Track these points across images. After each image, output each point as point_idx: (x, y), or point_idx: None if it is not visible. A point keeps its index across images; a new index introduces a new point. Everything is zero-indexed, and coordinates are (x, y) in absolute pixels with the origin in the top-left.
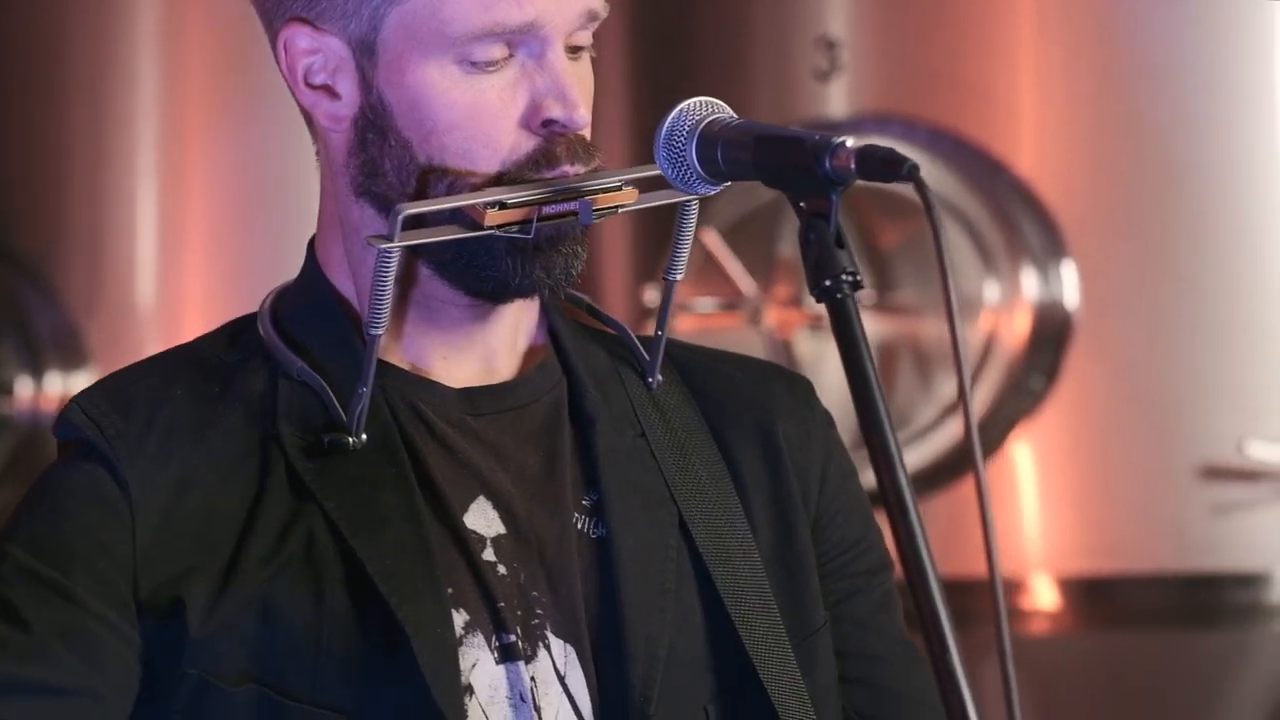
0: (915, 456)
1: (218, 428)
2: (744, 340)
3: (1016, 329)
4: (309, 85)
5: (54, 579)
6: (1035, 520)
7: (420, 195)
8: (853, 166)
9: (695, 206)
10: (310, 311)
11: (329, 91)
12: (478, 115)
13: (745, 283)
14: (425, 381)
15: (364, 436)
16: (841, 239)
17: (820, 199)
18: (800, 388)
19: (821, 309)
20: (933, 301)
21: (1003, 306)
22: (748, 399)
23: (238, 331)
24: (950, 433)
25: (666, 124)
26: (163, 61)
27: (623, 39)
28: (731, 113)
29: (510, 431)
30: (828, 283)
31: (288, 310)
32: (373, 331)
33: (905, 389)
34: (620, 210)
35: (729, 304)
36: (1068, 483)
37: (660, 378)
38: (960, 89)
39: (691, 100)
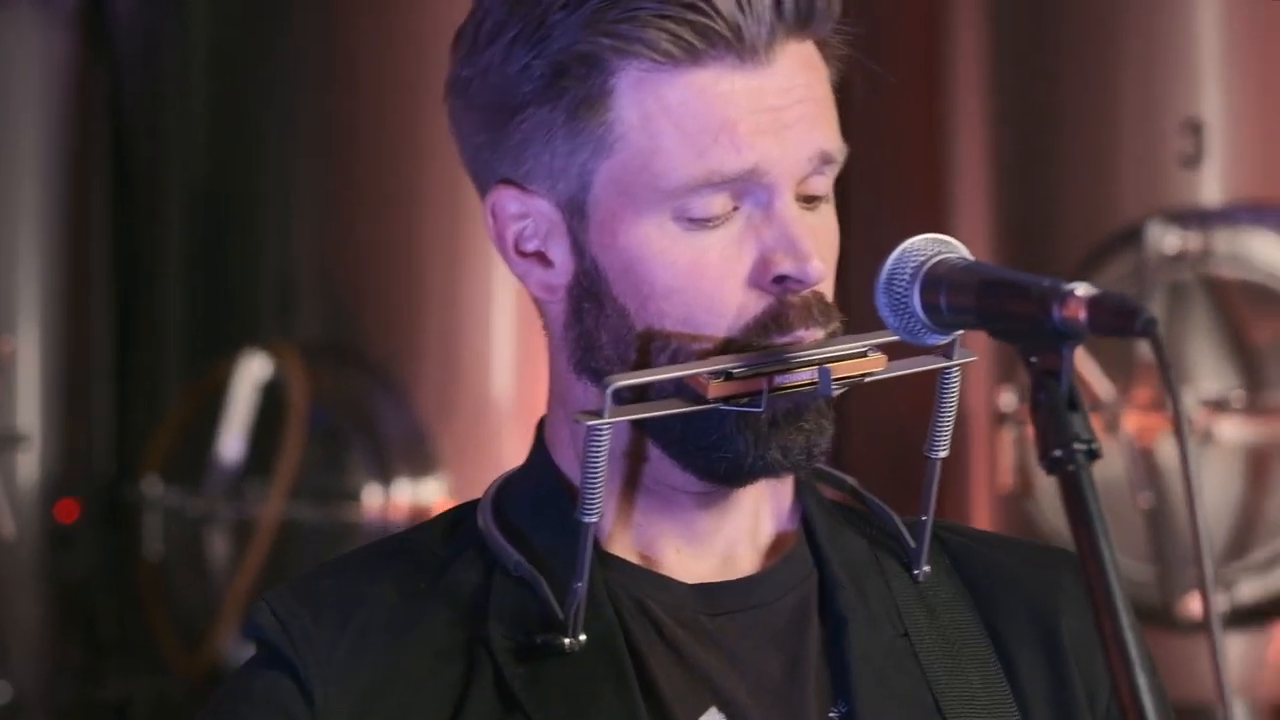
0: None
1: (422, 629)
2: (1104, 448)
3: None
4: (520, 253)
5: None
6: None
7: (640, 367)
8: (1083, 317)
9: (958, 374)
10: (534, 499)
11: (541, 259)
12: (699, 275)
13: (1102, 386)
14: (655, 576)
15: (582, 637)
16: (1075, 400)
17: (1052, 354)
18: None
19: (1197, 409)
20: None
21: None
22: (1028, 590)
23: (456, 521)
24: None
25: (888, 266)
26: None
27: (984, 116)
28: (964, 250)
29: (750, 633)
30: (1058, 453)
31: (512, 497)
32: (585, 518)
33: (1279, 499)
34: (867, 379)
35: (1089, 406)
36: None
37: (928, 568)
38: None
39: (916, 239)
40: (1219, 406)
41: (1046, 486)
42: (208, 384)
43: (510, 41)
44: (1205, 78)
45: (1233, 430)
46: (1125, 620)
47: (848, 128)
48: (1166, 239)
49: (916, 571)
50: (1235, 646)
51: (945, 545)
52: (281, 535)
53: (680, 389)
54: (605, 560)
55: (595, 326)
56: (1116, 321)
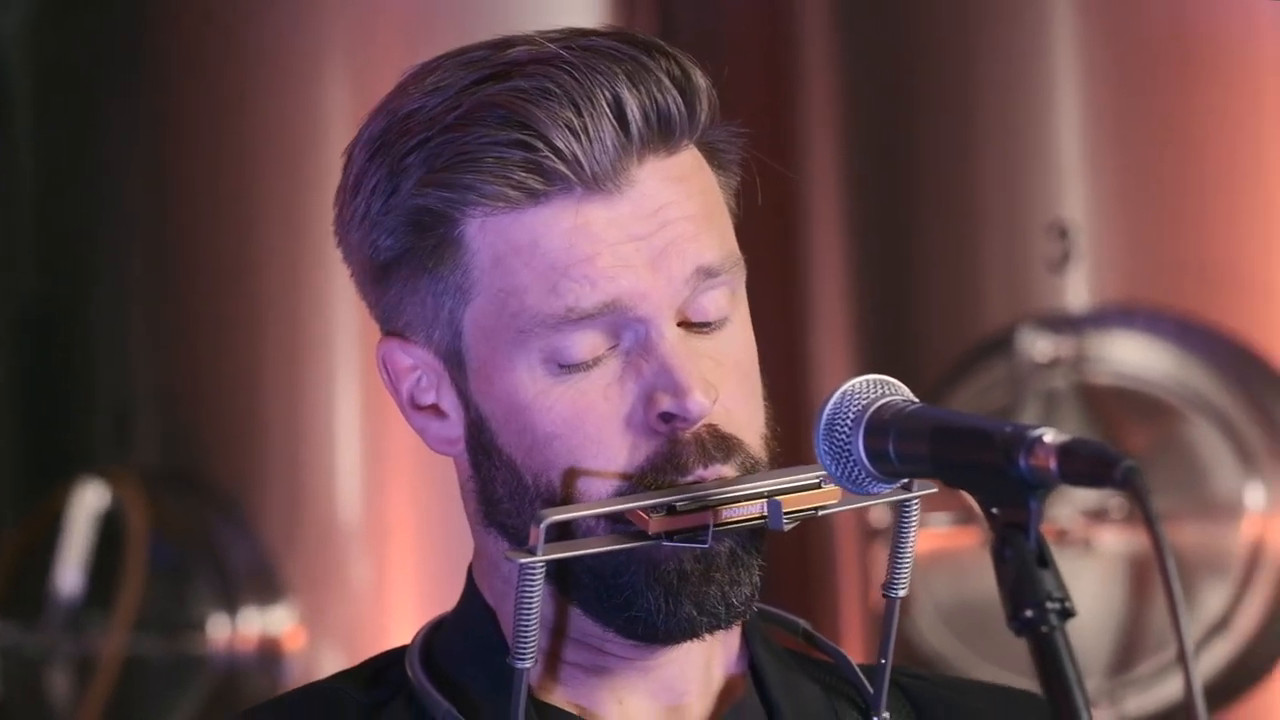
0: (1175, 686)
1: None
2: (982, 562)
3: None
4: (416, 407)
5: None
6: None
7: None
8: (1054, 467)
9: (918, 508)
10: (466, 645)
11: (437, 411)
12: (580, 420)
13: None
14: None
15: None
16: (1045, 556)
17: (1017, 506)
18: None
19: (1075, 519)
20: (1190, 506)
21: (1268, 511)
22: None
23: (383, 667)
24: (1215, 656)
25: (827, 410)
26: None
27: (840, 219)
28: (907, 392)
29: None
30: (1029, 613)
31: (443, 643)
32: (519, 664)
33: (1163, 608)
34: (821, 513)
35: (965, 518)
36: None
37: (887, 715)
38: (1210, 273)
39: (856, 380)
40: (1098, 516)
41: (924, 602)
42: (42, 514)
43: (369, 195)
44: (1069, 178)
45: (1113, 540)
46: None
47: None
48: (1038, 345)
49: (875, 718)
50: None
51: (907, 692)
52: (125, 670)
53: (614, 527)
54: (543, 712)
55: (490, 479)
56: (1092, 471)
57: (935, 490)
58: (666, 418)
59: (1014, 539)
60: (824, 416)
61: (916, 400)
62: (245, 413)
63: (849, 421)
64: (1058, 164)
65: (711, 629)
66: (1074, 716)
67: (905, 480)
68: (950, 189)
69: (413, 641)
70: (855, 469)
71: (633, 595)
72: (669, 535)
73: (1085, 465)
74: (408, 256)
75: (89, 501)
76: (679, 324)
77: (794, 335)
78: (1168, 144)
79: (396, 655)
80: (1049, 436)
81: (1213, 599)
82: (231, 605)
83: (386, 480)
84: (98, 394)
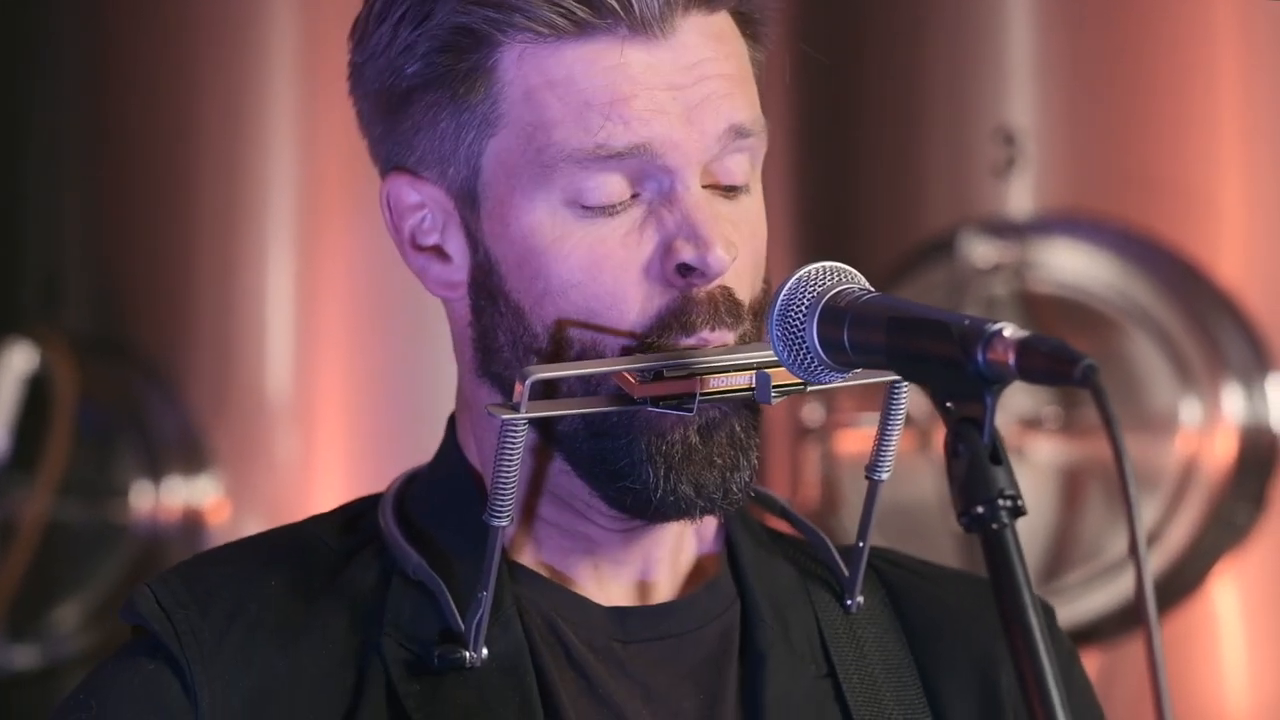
0: (1105, 596)
1: (314, 631)
2: (916, 465)
3: (1219, 453)
4: (417, 247)
5: None
6: (1241, 670)
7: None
8: (1012, 363)
9: (908, 391)
10: (441, 498)
11: (439, 253)
12: (598, 268)
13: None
14: (568, 595)
15: (484, 652)
16: (998, 453)
17: (972, 401)
18: None
19: (1009, 427)
20: (1126, 419)
21: (1203, 428)
22: (968, 634)
23: (356, 515)
24: (1149, 568)
25: (781, 295)
26: (296, 155)
27: (785, 126)
28: (864, 281)
29: (665, 665)
30: (980, 509)
31: (416, 496)
32: (495, 522)
33: (1095, 519)
34: (810, 389)
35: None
36: (1277, 627)
37: (861, 599)
38: (1156, 186)
39: (813, 266)
40: (1032, 425)
41: (852, 500)
42: None
43: (397, 22)
44: (1016, 84)
45: (1047, 449)
46: (1052, 687)
47: None
48: (979, 250)
49: (849, 602)
50: None
51: (882, 576)
52: (46, 535)
53: (601, 388)
54: (514, 572)
55: (492, 327)
56: (1051, 368)
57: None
58: (684, 270)
59: (968, 434)
60: (778, 301)
61: (872, 289)
62: (177, 282)
63: (803, 308)
64: (1005, 69)
65: (705, 513)
66: (1021, 613)
67: (853, 371)
68: (896, 91)
69: (387, 490)
70: (808, 357)
71: (630, 465)
72: (655, 401)
73: (1044, 362)
74: (435, 83)
75: (16, 363)
76: (704, 185)
77: None
78: (1117, 54)
79: (369, 503)
80: (1008, 331)
81: (1145, 513)
82: (156, 474)
83: (316, 355)
84: (28, 256)
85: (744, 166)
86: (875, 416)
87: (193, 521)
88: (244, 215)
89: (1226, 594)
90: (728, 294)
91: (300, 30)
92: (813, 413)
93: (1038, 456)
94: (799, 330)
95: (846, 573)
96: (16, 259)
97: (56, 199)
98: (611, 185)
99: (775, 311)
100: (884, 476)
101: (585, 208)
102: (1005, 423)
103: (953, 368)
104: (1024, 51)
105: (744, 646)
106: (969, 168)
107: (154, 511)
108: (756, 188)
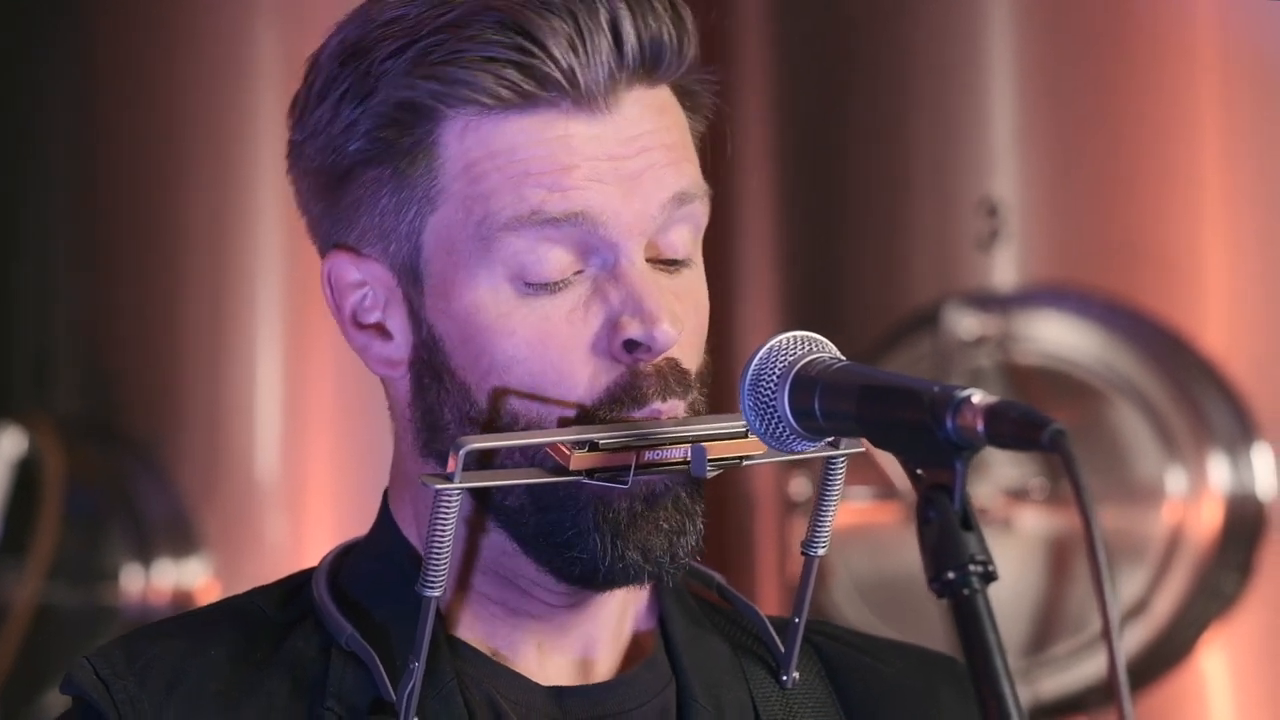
0: (1092, 667)
1: (257, 697)
2: (901, 538)
3: (1205, 522)
4: (358, 325)
5: None
6: None
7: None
8: (981, 429)
9: (843, 466)
10: (378, 571)
11: (381, 331)
12: (544, 344)
13: (900, 473)
14: (508, 673)
15: None
16: (969, 519)
17: (942, 468)
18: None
19: (996, 498)
20: (1112, 489)
21: (1189, 497)
22: (907, 705)
23: (295, 587)
24: (1133, 639)
25: (753, 365)
26: (284, 241)
27: (770, 190)
28: (834, 350)
29: None
30: (951, 575)
31: (351, 568)
32: (427, 592)
33: (1082, 590)
34: (745, 464)
35: (885, 494)
36: (1266, 695)
37: (796, 675)
38: (1139, 256)
39: (784, 336)
40: (1019, 496)
41: (841, 576)
42: None
43: (338, 100)
44: (1000, 156)
45: (1033, 520)
46: None
47: None
48: (964, 323)
49: (785, 678)
50: None
51: (819, 650)
52: (37, 618)
53: (536, 460)
54: (455, 647)
55: (437, 404)
56: (1019, 433)
57: (863, 449)
58: (631, 346)
59: (938, 500)
60: (750, 371)
61: (844, 358)
62: (166, 363)
63: (775, 377)
64: (989, 141)
65: (653, 578)
66: (994, 680)
67: (824, 440)
68: (881, 162)
69: (321, 563)
70: (780, 425)
71: (577, 535)
72: (590, 473)
73: (1012, 427)
74: (377, 159)
75: (5, 447)
76: (647, 259)
77: (721, 305)
78: (1100, 125)
79: (309, 575)
80: (977, 397)
81: (1132, 583)
82: (146, 556)
83: (306, 437)
84: (17, 339)
85: (686, 239)
86: (865, 490)
87: (183, 603)
88: (233, 299)
89: (1215, 662)
90: (674, 365)
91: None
92: (800, 486)
93: (1024, 527)
94: (770, 399)
95: (782, 648)
96: (6, 342)
97: (46, 281)
98: (554, 259)
99: (747, 381)
100: (820, 552)
101: (529, 284)
102: (991, 494)
103: (923, 434)
104: (1007, 124)
105: None
106: (953, 240)
107: (144, 594)
108: (698, 260)
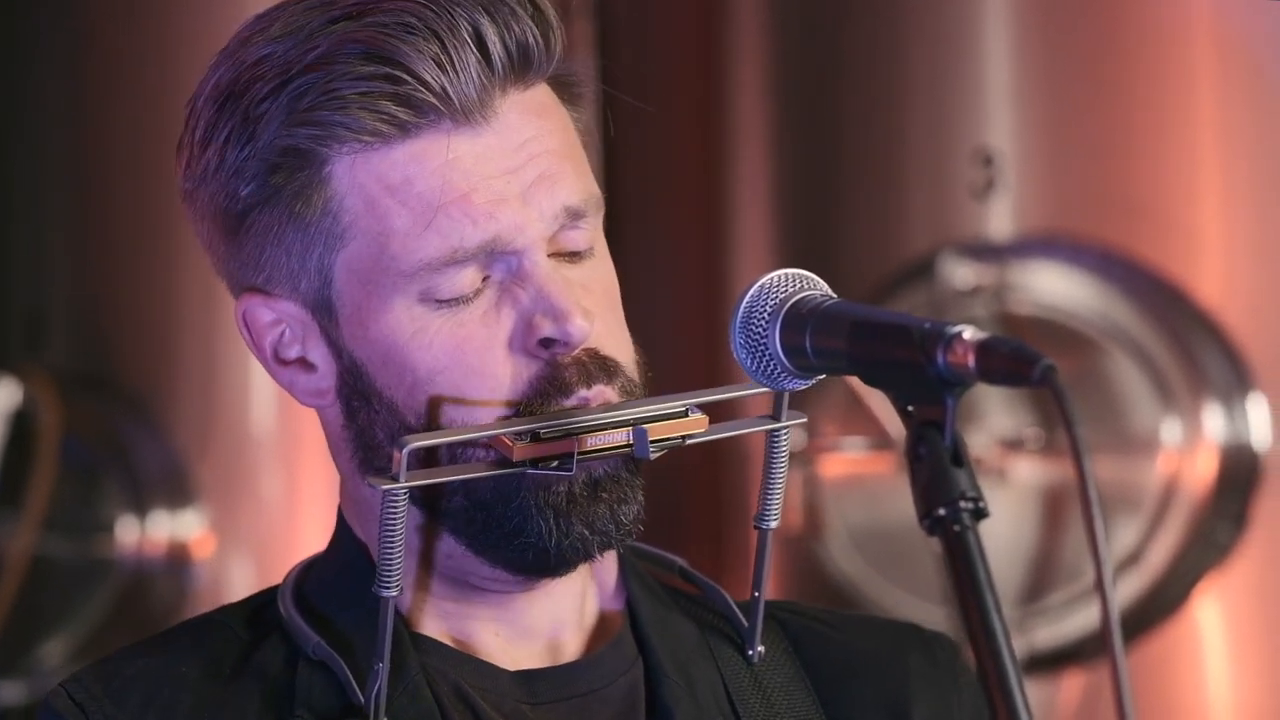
0: (1085, 618)
1: (230, 709)
2: (896, 488)
3: (1200, 472)
4: (281, 362)
5: None
6: (1225, 688)
7: (424, 458)
8: (972, 364)
9: (788, 437)
10: (338, 580)
11: (304, 365)
12: (461, 350)
13: (894, 423)
14: (473, 661)
15: None
16: (960, 455)
17: (932, 404)
18: (942, 654)
19: (991, 448)
20: (1107, 439)
21: (1184, 448)
22: (875, 674)
23: (261, 605)
24: (1127, 589)
25: (744, 303)
26: None
27: (764, 141)
28: (826, 288)
29: None
30: (942, 511)
31: (314, 580)
32: (384, 592)
33: (1076, 540)
34: (688, 442)
35: (880, 444)
36: (1261, 645)
37: (762, 649)
38: (1135, 206)
39: (775, 274)
40: (1014, 446)
41: (836, 528)
42: None
43: (223, 144)
44: (995, 106)
45: (1028, 471)
46: (1018, 695)
47: (616, 162)
48: (959, 272)
49: (751, 652)
50: (1030, 695)
51: (785, 627)
52: (32, 570)
53: (479, 459)
54: (418, 643)
55: (369, 425)
56: (1010, 369)
57: (804, 420)
58: (547, 343)
59: (929, 437)
60: (741, 309)
61: (835, 296)
62: (161, 315)
63: (766, 315)
64: (985, 91)
65: (603, 548)
66: (985, 616)
67: (817, 378)
68: (877, 113)
69: (284, 580)
70: (771, 364)
71: (522, 521)
72: (534, 463)
73: (1003, 363)
74: (271, 202)
75: (1, 400)
76: (550, 254)
77: (716, 256)
78: (1096, 75)
79: (274, 593)
80: (968, 333)
81: (1126, 533)
82: (141, 508)
83: None
84: (12, 293)
85: (587, 235)
86: (860, 440)
87: (178, 556)
88: None
89: (1209, 613)
90: (594, 354)
91: None
92: (795, 438)
93: (1019, 477)
94: (762, 337)
95: (746, 624)
96: (2, 295)
97: (40, 236)
98: (464, 278)
99: (738, 319)
100: (772, 525)
101: (440, 301)
102: (987, 444)
103: (914, 371)
104: (1003, 74)
105: (651, 703)
106: (948, 190)
107: (139, 546)
108: (601, 247)
